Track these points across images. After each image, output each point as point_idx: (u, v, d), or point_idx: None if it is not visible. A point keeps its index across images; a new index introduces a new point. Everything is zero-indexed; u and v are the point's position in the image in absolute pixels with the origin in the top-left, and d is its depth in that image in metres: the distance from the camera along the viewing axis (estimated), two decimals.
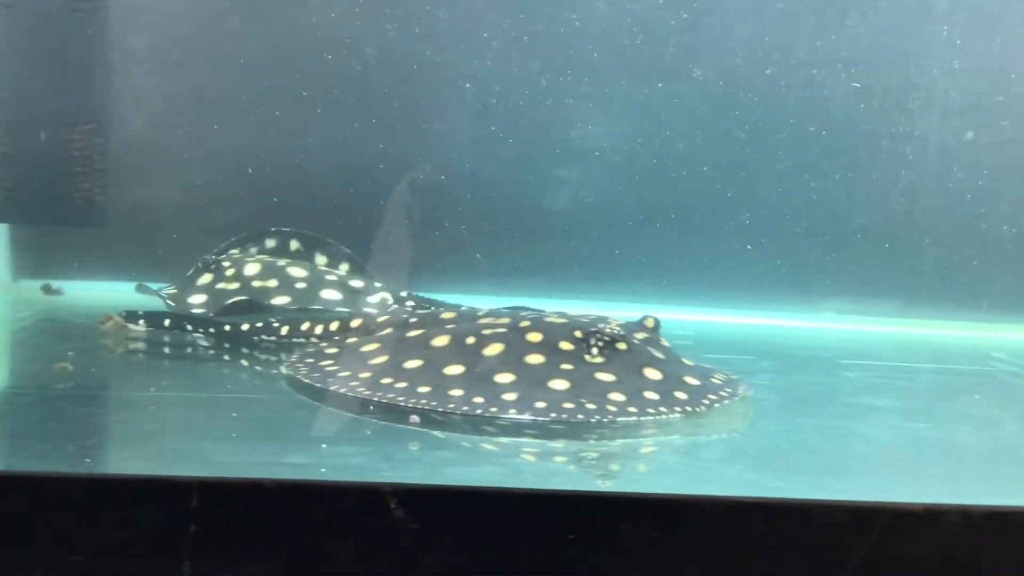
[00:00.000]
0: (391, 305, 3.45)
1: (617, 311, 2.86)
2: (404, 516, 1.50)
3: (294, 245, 3.70)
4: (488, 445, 2.16)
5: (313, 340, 3.02)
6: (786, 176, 3.85)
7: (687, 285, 3.81)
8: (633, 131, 3.84)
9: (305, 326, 3.05)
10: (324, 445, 2.05)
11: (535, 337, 2.56)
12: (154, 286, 3.45)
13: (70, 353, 2.73)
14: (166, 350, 3.00)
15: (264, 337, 3.05)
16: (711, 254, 3.84)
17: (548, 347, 2.51)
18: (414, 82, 3.81)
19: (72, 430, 2.15)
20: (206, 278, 3.41)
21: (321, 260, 3.70)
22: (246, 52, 3.75)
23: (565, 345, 2.52)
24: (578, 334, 2.53)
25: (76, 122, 3.38)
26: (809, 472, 2.04)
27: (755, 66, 3.81)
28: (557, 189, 3.84)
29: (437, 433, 2.20)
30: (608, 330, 2.51)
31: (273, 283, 3.34)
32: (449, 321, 2.80)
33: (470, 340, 2.58)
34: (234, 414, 2.29)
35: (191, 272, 3.46)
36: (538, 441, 2.19)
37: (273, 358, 2.92)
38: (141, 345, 2.98)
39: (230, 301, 3.23)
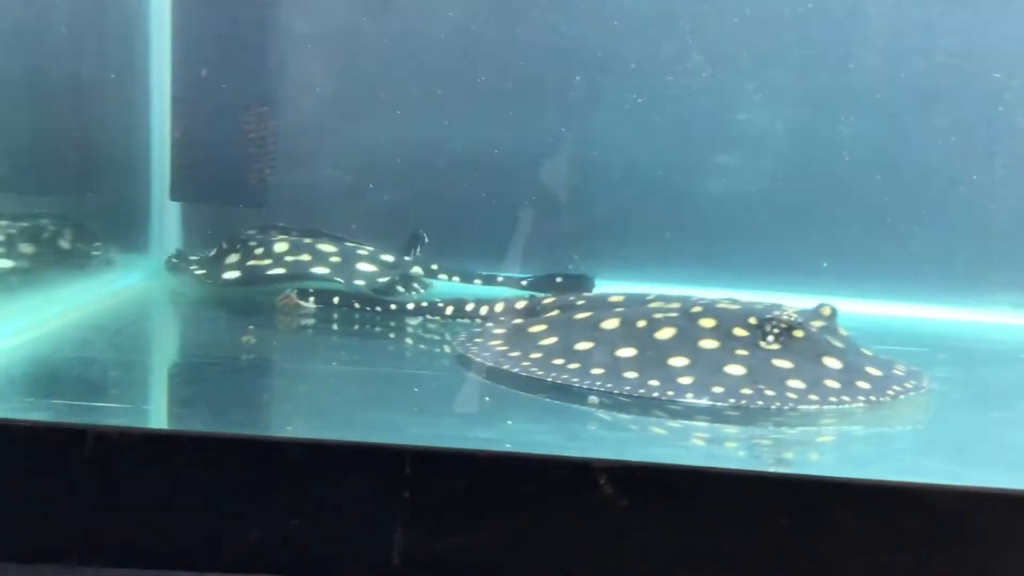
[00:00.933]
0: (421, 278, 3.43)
1: (780, 300, 2.79)
2: (613, 492, 1.50)
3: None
4: (661, 428, 2.15)
5: (477, 320, 3.06)
6: (956, 166, 3.69)
7: (850, 275, 3.69)
8: (796, 119, 3.74)
9: (470, 306, 3.09)
10: (509, 422, 2.08)
11: (708, 323, 2.53)
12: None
13: (250, 327, 2.84)
14: (334, 327, 3.08)
15: (428, 316, 3.11)
16: (875, 244, 3.72)
17: (722, 333, 2.49)
18: (575, 68, 3.80)
19: (265, 399, 2.24)
20: (233, 257, 3.33)
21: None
22: (408, 39, 3.80)
23: (739, 331, 2.48)
24: (752, 321, 2.49)
25: (251, 105, 3.48)
26: (1016, 467, 1.95)
27: (921, 54, 3.67)
28: (717, 176, 3.78)
29: (614, 414, 2.19)
30: (785, 317, 2.46)
31: (306, 257, 3.28)
32: (617, 304, 2.80)
33: (641, 323, 2.57)
34: (415, 389, 2.34)
35: (213, 253, 3.38)
36: (715, 426, 2.16)
37: (436, 337, 2.97)
38: (312, 321, 3.07)
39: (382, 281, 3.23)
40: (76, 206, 3.36)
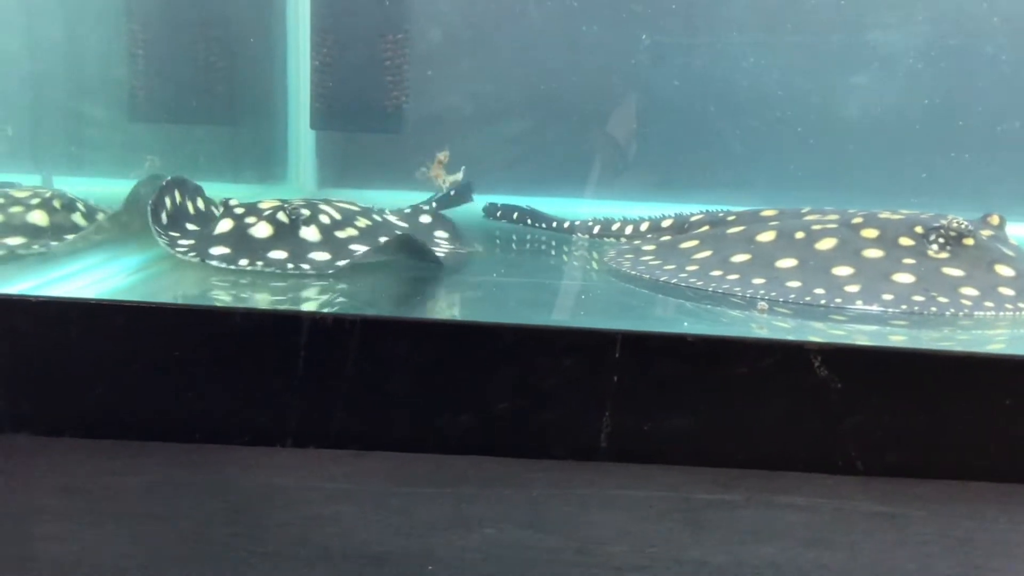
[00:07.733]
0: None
1: None
2: (828, 375, 1.50)
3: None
4: (840, 331, 2.13)
5: (623, 240, 3.06)
6: None
7: (991, 196, 3.58)
8: (935, 36, 3.63)
9: (616, 226, 3.10)
10: (685, 324, 2.09)
11: (871, 233, 2.50)
12: None
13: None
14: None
15: (579, 235, 3.13)
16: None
17: (886, 242, 2.45)
18: None
19: (442, 306, 2.29)
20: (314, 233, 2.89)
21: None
22: None
23: (905, 240, 2.45)
24: (919, 229, 2.45)
25: (387, 32, 3.50)
26: None
27: None
28: (849, 96, 3.70)
29: (782, 321, 2.18)
30: (954, 225, 2.41)
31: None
32: (772, 218, 2.77)
33: (799, 235, 2.55)
34: (583, 296, 2.37)
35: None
36: (894, 328, 2.13)
37: (579, 253, 2.99)
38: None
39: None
40: (222, 137, 3.44)
